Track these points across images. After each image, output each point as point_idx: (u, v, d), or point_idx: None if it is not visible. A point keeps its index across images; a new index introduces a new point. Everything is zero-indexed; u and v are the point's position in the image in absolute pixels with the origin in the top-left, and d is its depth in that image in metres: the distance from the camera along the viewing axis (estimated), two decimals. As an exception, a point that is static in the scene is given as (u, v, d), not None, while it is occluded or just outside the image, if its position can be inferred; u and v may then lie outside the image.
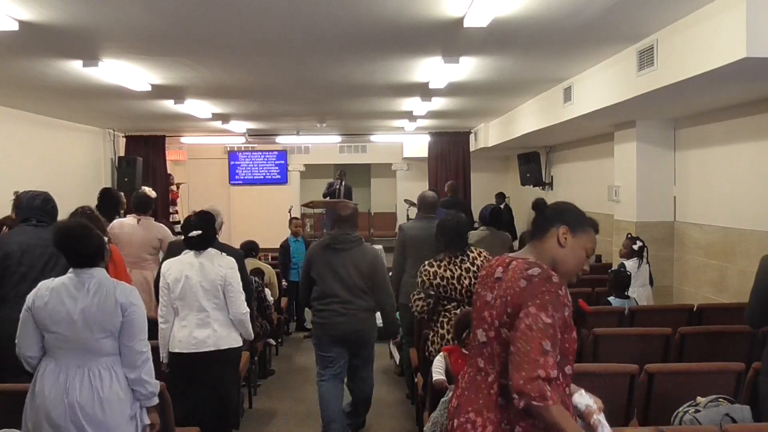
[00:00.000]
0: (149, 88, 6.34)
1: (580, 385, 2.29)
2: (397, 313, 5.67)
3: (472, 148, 11.37)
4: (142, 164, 10.47)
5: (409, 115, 9.24)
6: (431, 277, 4.07)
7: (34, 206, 3.77)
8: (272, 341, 6.62)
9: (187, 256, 3.82)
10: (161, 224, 5.79)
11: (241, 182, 13.63)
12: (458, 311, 3.95)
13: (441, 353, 3.69)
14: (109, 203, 5.65)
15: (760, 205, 5.26)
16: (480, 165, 12.49)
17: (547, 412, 1.89)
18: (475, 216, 8.02)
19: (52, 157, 8.59)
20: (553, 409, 1.89)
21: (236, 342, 3.87)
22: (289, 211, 9.80)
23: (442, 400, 3.20)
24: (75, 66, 5.31)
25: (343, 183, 11.73)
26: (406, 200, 10.38)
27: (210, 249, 3.84)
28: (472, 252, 4.19)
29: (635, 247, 5.59)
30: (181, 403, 3.60)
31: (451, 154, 11.35)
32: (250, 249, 7.03)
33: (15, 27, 3.98)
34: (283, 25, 4.22)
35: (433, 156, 11.49)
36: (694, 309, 4.87)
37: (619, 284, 5.02)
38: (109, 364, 2.73)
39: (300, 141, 12.76)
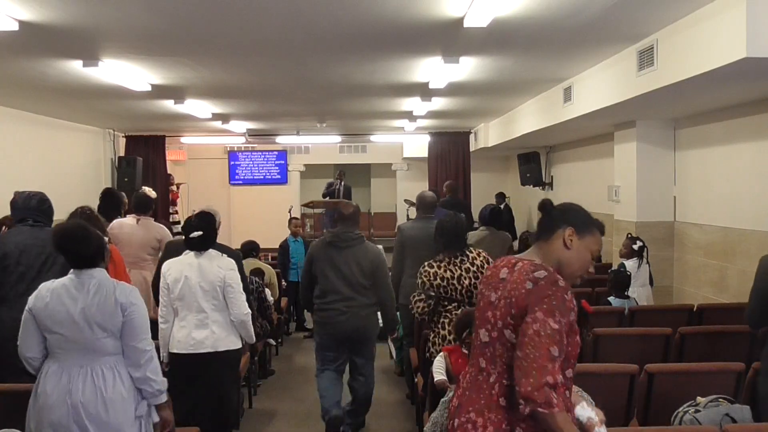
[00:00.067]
0: (149, 88, 6.34)
1: (579, 385, 2.29)
2: (398, 313, 5.70)
3: (472, 148, 11.37)
4: (142, 164, 10.47)
5: (409, 115, 9.23)
6: (431, 278, 4.07)
7: (30, 206, 3.78)
8: (272, 341, 6.62)
9: (188, 256, 3.82)
10: (160, 224, 5.79)
11: (241, 182, 13.63)
12: (459, 311, 3.95)
13: (441, 353, 3.69)
14: (111, 203, 5.65)
15: (760, 205, 5.26)
16: (480, 165, 12.49)
17: (552, 419, 1.89)
18: (475, 216, 8.02)
19: (52, 157, 8.59)
20: (558, 416, 1.89)
21: (235, 344, 3.86)
22: (289, 211, 9.81)
23: (443, 400, 3.20)
24: (75, 66, 5.31)
25: (343, 183, 11.73)
26: (406, 200, 10.38)
27: (210, 250, 3.84)
28: (472, 252, 4.19)
29: (635, 247, 5.59)
30: (181, 403, 3.60)
31: (451, 154, 11.35)
32: (250, 249, 7.03)
33: (15, 27, 3.98)
34: (283, 25, 4.22)
35: (433, 156, 11.49)
36: (694, 309, 4.88)
37: (619, 284, 5.02)
38: (111, 364, 2.73)
39: (300, 141, 12.76)
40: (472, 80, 6.21)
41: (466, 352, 3.46)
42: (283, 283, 7.73)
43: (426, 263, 4.17)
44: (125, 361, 2.77)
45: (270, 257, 8.98)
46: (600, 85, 5.62)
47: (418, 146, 12.41)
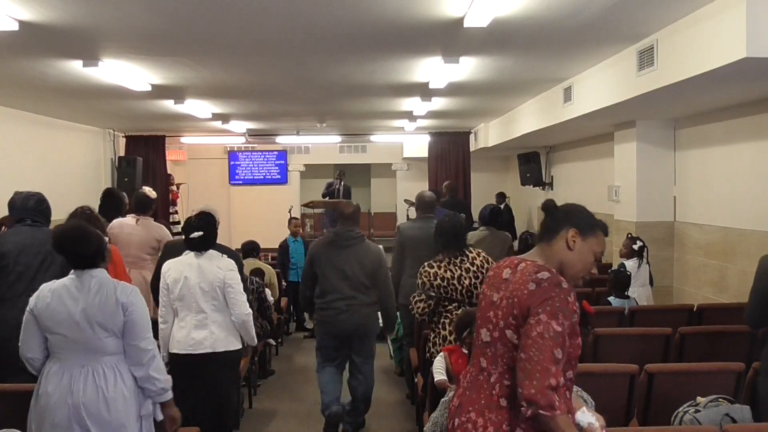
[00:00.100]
0: (149, 88, 6.34)
1: (579, 385, 2.29)
2: (397, 313, 5.71)
3: (472, 148, 11.37)
4: (142, 164, 10.47)
5: (409, 115, 9.23)
6: (431, 278, 4.07)
7: (28, 207, 3.79)
8: (272, 341, 6.62)
9: (188, 257, 3.82)
10: (160, 224, 5.78)
11: (241, 182, 13.63)
12: (459, 311, 3.95)
13: (441, 353, 3.69)
14: (112, 203, 5.66)
15: (760, 205, 5.26)
16: (480, 165, 12.49)
17: (554, 422, 1.89)
18: (475, 216, 8.02)
19: (52, 157, 8.59)
20: (559, 419, 1.89)
21: (234, 345, 3.85)
22: (289, 211, 9.81)
23: (443, 400, 3.20)
24: (75, 66, 5.31)
25: (342, 183, 11.73)
26: (406, 200, 10.38)
27: (211, 250, 3.84)
28: (471, 252, 4.20)
29: (635, 247, 5.59)
30: (181, 403, 3.57)
31: (451, 154, 11.35)
32: (250, 249, 7.03)
33: (15, 27, 3.98)
34: (283, 25, 4.22)
35: (433, 156, 11.49)
36: (694, 309, 4.88)
37: (619, 284, 5.02)
38: (113, 364, 2.74)
39: (300, 141, 12.76)
40: (472, 80, 6.21)
41: (467, 352, 3.47)
42: (283, 283, 7.73)
43: (426, 263, 4.17)
44: (127, 361, 2.78)
45: (270, 257, 8.98)
46: (600, 85, 5.62)
47: (418, 146, 12.41)
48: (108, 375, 2.71)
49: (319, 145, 13.34)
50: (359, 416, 4.82)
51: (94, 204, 4.86)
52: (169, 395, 2.88)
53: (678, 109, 5.92)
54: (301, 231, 8.47)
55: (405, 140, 12.84)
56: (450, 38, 4.54)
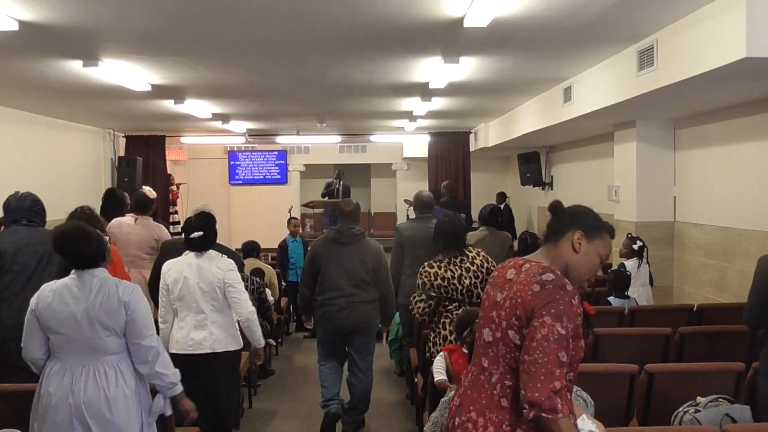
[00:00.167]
0: (149, 88, 6.34)
1: (579, 384, 2.29)
2: (397, 313, 5.72)
3: (472, 148, 11.36)
4: (142, 164, 10.46)
5: (409, 115, 9.23)
6: (432, 278, 4.07)
7: (23, 207, 3.81)
8: (272, 341, 6.62)
9: (188, 257, 3.82)
10: (159, 224, 5.78)
11: (241, 182, 13.63)
12: (459, 311, 3.95)
13: (441, 353, 3.69)
14: (113, 203, 5.67)
15: (760, 205, 5.26)
16: (480, 165, 12.49)
17: (556, 425, 1.89)
18: (475, 216, 8.02)
19: (52, 157, 8.59)
20: (561, 422, 1.89)
21: (233, 345, 3.85)
22: (289, 211, 9.80)
23: (443, 400, 3.20)
24: (75, 66, 5.31)
25: (342, 182, 11.73)
26: (406, 200, 10.35)
27: (210, 251, 3.84)
28: (471, 251, 4.20)
29: (635, 247, 5.59)
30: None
31: (451, 154, 11.35)
32: (251, 249, 7.04)
33: (15, 27, 3.98)
34: (283, 25, 4.22)
35: (433, 156, 11.49)
36: (694, 309, 4.88)
37: (619, 284, 5.02)
38: (114, 363, 2.74)
39: (300, 141, 12.76)
40: (472, 80, 6.21)
41: (467, 351, 3.47)
42: (283, 283, 7.73)
43: (426, 263, 4.17)
44: (133, 359, 2.80)
45: (270, 257, 8.98)
46: (600, 85, 5.62)
47: (418, 146, 12.41)
48: (109, 374, 2.72)
49: (319, 145, 13.34)
50: (359, 415, 4.83)
51: (94, 204, 4.86)
52: (179, 388, 2.90)
53: (678, 109, 5.92)
54: (300, 231, 8.47)
55: (405, 140, 12.84)
56: (450, 38, 4.54)
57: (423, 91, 6.87)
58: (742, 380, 3.32)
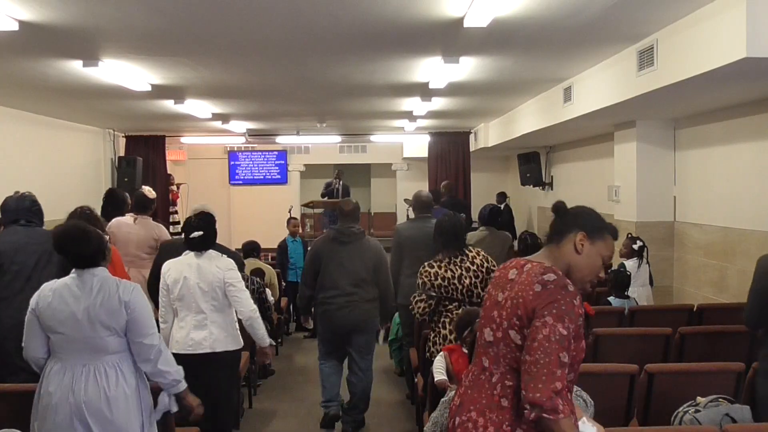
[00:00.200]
0: (149, 88, 6.34)
1: (579, 384, 2.29)
2: (396, 314, 5.74)
3: (472, 148, 11.36)
4: (142, 164, 10.46)
5: (409, 115, 9.23)
6: (432, 278, 4.07)
7: (22, 208, 3.82)
8: (272, 341, 6.62)
9: (187, 257, 3.82)
10: (158, 224, 5.78)
11: (241, 182, 13.63)
12: (459, 311, 3.95)
13: (441, 353, 3.69)
14: (114, 204, 5.68)
15: (760, 205, 5.26)
16: (480, 165, 12.49)
17: (557, 426, 1.88)
18: (475, 216, 8.01)
19: (52, 157, 8.59)
20: (563, 422, 1.89)
21: (233, 345, 3.86)
22: (289, 211, 9.80)
23: (443, 400, 3.20)
24: (75, 66, 5.30)
25: (341, 182, 11.72)
26: (406, 200, 10.34)
27: (210, 250, 3.84)
28: (471, 251, 4.20)
29: (635, 246, 5.59)
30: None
31: (451, 154, 11.34)
32: (251, 249, 7.04)
33: (15, 27, 3.98)
34: (283, 25, 4.22)
35: (433, 156, 11.49)
36: (694, 309, 4.88)
37: (619, 284, 5.02)
38: (114, 362, 2.75)
39: (300, 141, 12.75)
40: (472, 80, 6.21)
41: (467, 351, 3.47)
42: (282, 283, 7.73)
43: (426, 263, 4.17)
44: (135, 358, 2.81)
45: (270, 257, 8.97)
46: (600, 85, 5.62)
47: (418, 146, 12.41)
48: (110, 374, 2.72)
49: (319, 145, 13.33)
50: (358, 414, 4.84)
51: (95, 204, 4.86)
52: (183, 385, 2.92)
53: (678, 109, 5.92)
54: (300, 231, 8.47)
55: (405, 140, 12.83)
56: (450, 38, 4.54)
57: (423, 91, 6.87)
58: (742, 380, 3.32)
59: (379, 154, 13.67)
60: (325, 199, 11.25)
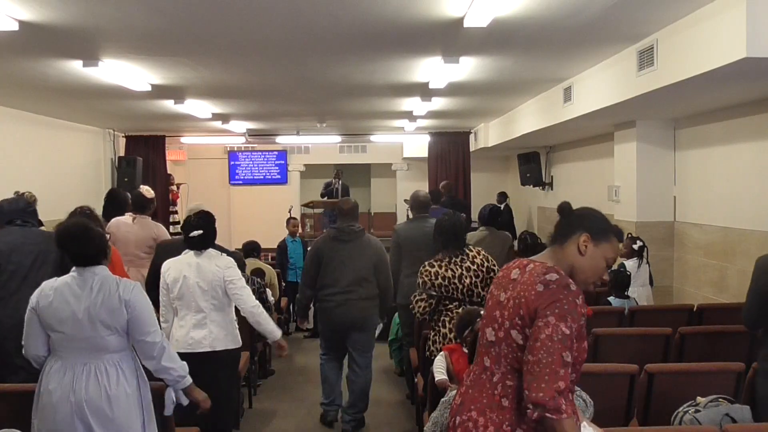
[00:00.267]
0: (149, 88, 6.34)
1: (579, 384, 2.28)
2: (396, 314, 5.75)
3: (472, 148, 11.36)
4: (142, 164, 10.46)
5: (409, 115, 9.23)
6: (432, 277, 4.07)
7: (18, 209, 3.85)
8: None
9: (187, 256, 3.83)
10: (157, 223, 5.78)
11: (241, 182, 13.63)
12: (459, 310, 3.95)
13: (442, 352, 3.69)
14: (116, 204, 5.69)
15: (760, 205, 5.26)
16: (480, 165, 12.49)
17: (560, 425, 1.88)
18: (474, 216, 8.01)
19: (52, 157, 8.59)
20: (565, 422, 1.88)
21: (233, 344, 3.87)
22: (289, 211, 9.81)
23: (443, 400, 3.20)
24: (75, 66, 5.31)
25: (341, 182, 11.72)
26: (406, 200, 10.36)
27: (210, 249, 3.85)
28: (471, 251, 4.20)
29: (635, 246, 5.59)
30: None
31: (451, 154, 11.34)
32: (251, 249, 7.04)
33: (15, 27, 3.98)
34: (283, 25, 4.22)
35: (433, 156, 11.49)
36: (694, 309, 4.87)
37: (619, 284, 5.01)
38: (115, 361, 2.75)
39: (300, 141, 12.75)
40: (472, 80, 6.21)
41: (467, 351, 3.47)
42: (282, 283, 7.73)
43: (426, 262, 4.17)
44: (139, 356, 2.82)
45: (270, 257, 8.97)
46: (600, 85, 5.62)
47: (418, 146, 12.41)
48: (110, 373, 2.72)
49: (319, 145, 13.33)
50: (358, 413, 4.86)
51: (95, 204, 4.86)
52: (188, 380, 2.95)
53: (678, 109, 5.92)
54: (300, 231, 8.47)
55: (405, 140, 12.83)
56: (450, 38, 4.54)
57: (423, 91, 6.87)
58: (742, 380, 3.32)
59: (379, 154, 13.67)
60: (325, 199, 11.24)
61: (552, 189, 10.70)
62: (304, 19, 4.09)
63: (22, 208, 3.85)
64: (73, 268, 2.80)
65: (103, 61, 5.19)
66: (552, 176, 10.76)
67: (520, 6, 3.79)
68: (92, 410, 2.66)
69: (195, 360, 3.70)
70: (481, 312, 3.34)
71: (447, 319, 4.05)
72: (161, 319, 3.80)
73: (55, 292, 2.75)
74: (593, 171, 8.79)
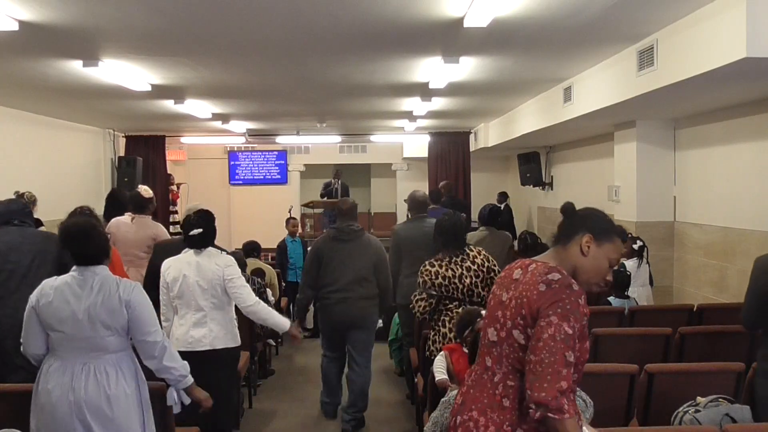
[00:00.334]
0: (149, 88, 6.34)
1: (579, 384, 2.28)
2: (396, 314, 5.76)
3: (472, 148, 11.36)
4: (142, 164, 10.46)
5: (409, 115, 9.23)
6: (433, 277, 4.07)
7: (13, 209, 3.84)
8: (272, 341, 6.63)
9: (187, 255, 3.84)
10: (156, 223, 5.78)
11: (241, 182, 13.62)
12: (459, 310, 3.95)
13: (442, 352, 3.70)
14: (118, 205, 5.69)
15: (760, 205, 5.26)
16: (480, 165, 12.49)
17: (562, 425, 1.88)
18: (474, 216, 8.01)
19: (52, 157, 8.59)
20: (567, 422, 1.88)
21: (233, 342, 3.88)
22: (289, 211, 9.81)
23: (443, 400, 3.20)
24: (75, 66, 5.31)
25: (340, 182, 11.72)
26: (406, 200, 10.36)
27: (210, 248, 3.86)
28: (472, 251, 4.20)
29: (635, 246, 5.58)
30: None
31: (451, 154, 11.34)
32: (251, 249, 7.04)
33: (15, 27, 3.98)
34: (283, 25, 4.22)
35: (433, 156, 11.49)
36: (694, 309, 4.87)
37: (619, 284, 5.01)
38: (114, 361, 2.75)
39: (300, 141, 12.75)
40: (472, 80, 6.21)
41: (467, 351, 3.47)
42: (282, 283, 7.73)
43: (427, 262, 4.18)
44: (140, 355, 2.83)
45: (270, 257, 8.97)
46: (600, 85, 5.62)
47: (418, 146, 12.41)
48: (110, 372, 2.72)
49: (319, 145, 13.33)
50: (358, 412, 4.86)
51: (95, 204, 4.87)
52: (190, 380, 2.95)
53: (678, 109, 5.92)
54: (300, 231, 8.47)
55: (405, 140, 12.83)
56: (450, 38, 4.54)
57: (423, 91, 6.87)
58: (742, 380, 3.31)
59: (379, 154, 13.67)
60: (325, 199, 11.25)
61: (552, 189, 10.70)
62: (304, 19, 4.09)
63: (19, 209, 3.86)
64: (74, 268, 2.80)
65: (103, 61, 5.19)
66: (552, 176, 10.76)
67: (520, 6, 3.79)
68: (91, 410, 2.66)
69: (195, 359, 3.70)
70: (482, 312, 3.35)
71: (447, 319, 4.05)
72: (162, 318, 3.80)
73: (55, 291, 2.74)
74: (593, 171, 8.79)
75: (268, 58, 5.28)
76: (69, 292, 2.73)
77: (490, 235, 6.09)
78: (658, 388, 3.31)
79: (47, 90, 6.48)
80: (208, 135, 11.77)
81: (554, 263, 2.09)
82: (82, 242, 2.76)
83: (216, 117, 9.18)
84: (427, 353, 4.18)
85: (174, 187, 11.73)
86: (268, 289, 6.23)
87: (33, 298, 2.79)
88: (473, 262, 4.11)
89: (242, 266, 5.24)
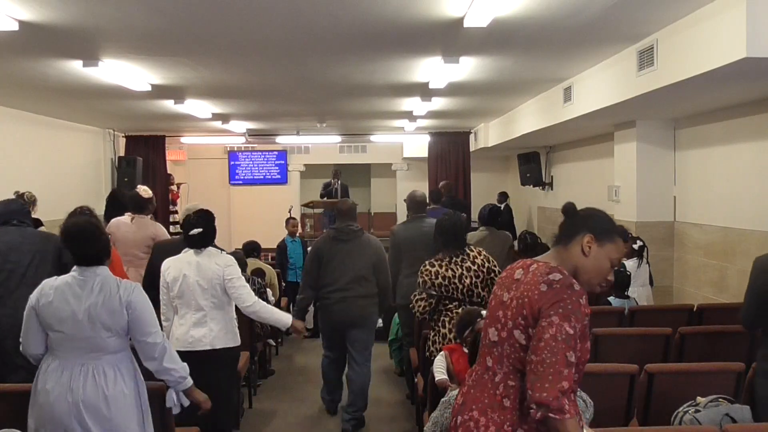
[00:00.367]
0: (149, 88, 6.34)
1: (579, 384, 2.28)
2: (396, 314, 5.76)
3: (472, 148, 11.36)
4: (142, 164, 10.46)
5: (409, 115, 9.23)
6: (433, 277, 4.07)
7: (12, 210, 3.85)
8: (272, 341, 6.63)
9: (187, 254, 3.84)
10: (156, 223, 5.78)
11: (241, 182, 13.62)
12: (459, 310, 3.95)
13: (442, 352, 3.70)
14: (118, 205, 5.70)
15: (760, 205, 5.26)
16: (480, 165, 12.49)
17: (563, 426, 1.88)
18: (474, 216, 8.01)
19: (52, 157, 8.59)
20: (568, 422, 1.88)
21: (233, 342, 3.88)
22: (289, 211, 9.81)
23: (443, 400, 3.20)
24: (75, 66, 5.31)
25: (339, 182, 11.73)
26: (405, 200, 10.36)
27: (210, 248, 3.86)
28: (472, 251, 4.20)
29: (635, 246, 5.58)
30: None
31: (451, 154, 11.34)
32: (251, 249, 7.05)
33: (15, 27, 3.98)
34: (283, 25, 4.22)
35: (433, 156, 11.49)
36: (694, 309, 4.87)
37: (619, 284, 5.01)
38: (113, 362, 2.75)
39: (300, 141, 12.75)
40: (472, 80, 6.21)
41: (467, 351, 3.47)
42: (282, 283, 7.73)
43: (427, 262, 4.18)
44: (140, 356, 2.83)
45: (270, 257, 8.97)
46: (600, 85, 5.62)
47: (418, 146, 12.41)
48: (108, 373, 2.72)
49: (319, 145, 13.33)
50: (357, 412, 4.87)
51: (95, 204, 4.86)
52: (189, 382, 2.96)
53: (678, 109, 5.92)
54: (300, 231, 8.47)
55: (405, 140, 12.83)
56: (450, 38, 4.54)
57: (423, 91, 6.87)
58: (742, 380, 3.32)
59: (379, 154, 13.67)
60: (325, 199, 11.25)
61: (552, 189, 10.70)
62: (304, 19, 4.09)
63: (18, 210, 3.86)
64: (74, 268, 2.80)
65: (103, 61, 5.19)
66: (552, 176, 10.76)
67: (520, 6, 3.79)
68: (89, 410, 2.66)
69: (195, 359, 3.71)
70: (482, 312, 3.35)
71: (447, 319, 4.05)
72: (162, 317, 3.80)
73: (55, 291, 2.74)
74: (593, 171, 8.79)
75: (268, 58, 5.28)
76: (69, 293, 2.73)
77: (490, 235, 6.09)
78: (658, 388, 3.31)
79: (47, 90, 6.48)
80: (208, 135, 11.77)
81: (555, 263, 2.09)
82: (83, 242, 2.76)
83: (216, 117, 9.18)
84: (427, 353, 4.18)
85: (174, 187, 11.73)
86: (268, 289, 6.22)
87: (33, 297, 2.78)
88: (473, 263, 4.11)
89: (243, 266, 5.24)
